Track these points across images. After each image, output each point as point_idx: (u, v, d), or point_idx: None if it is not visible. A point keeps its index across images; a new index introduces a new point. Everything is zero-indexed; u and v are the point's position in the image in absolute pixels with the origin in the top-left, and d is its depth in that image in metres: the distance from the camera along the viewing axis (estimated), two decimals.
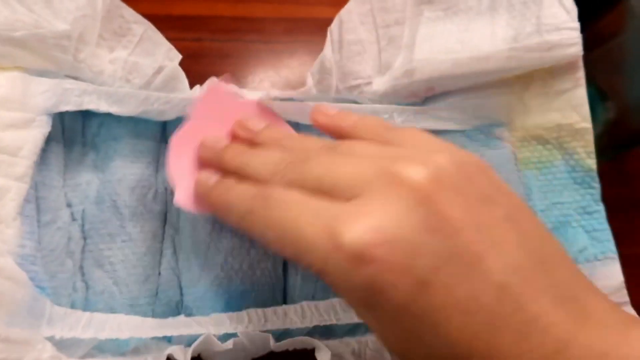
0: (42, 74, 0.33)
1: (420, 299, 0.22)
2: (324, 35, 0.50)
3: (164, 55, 0.39)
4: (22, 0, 0.32)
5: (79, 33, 0.35)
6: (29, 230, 0.33)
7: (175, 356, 0.34)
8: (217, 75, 0.41)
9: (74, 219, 0.38)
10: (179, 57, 0.39)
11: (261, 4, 0.51)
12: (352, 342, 0.39)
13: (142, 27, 0.39)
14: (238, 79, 0.48)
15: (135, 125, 0.41)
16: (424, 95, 0.44)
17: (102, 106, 0.37)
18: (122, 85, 0.37)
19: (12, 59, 0.31)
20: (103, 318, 0.35)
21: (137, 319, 0.36)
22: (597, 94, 0.42)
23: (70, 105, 0.35)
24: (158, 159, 0.42)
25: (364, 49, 0.44)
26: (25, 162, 0.31)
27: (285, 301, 0.41)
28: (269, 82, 0.49)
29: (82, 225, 0.38)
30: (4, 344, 0.26)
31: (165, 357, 0.34)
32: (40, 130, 0.33)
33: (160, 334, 0.35)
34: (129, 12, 0.38)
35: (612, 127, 0.44)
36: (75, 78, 0.36)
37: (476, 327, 0.22)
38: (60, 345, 0.32)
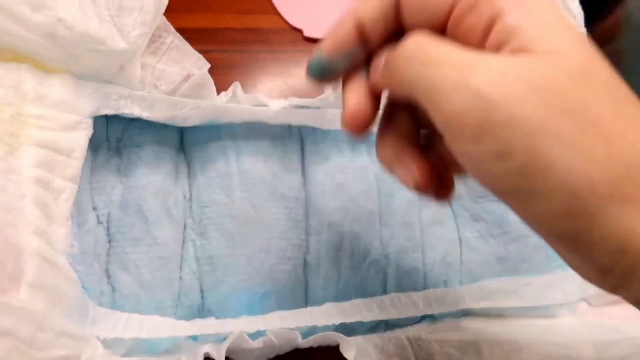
0: (83, 76, 0.34)
1: None
2: None
3: (193, 64, 0.41)
4: (97, 3, 0.34)
5: (134, 50, 0.37)
6: (75, 231, 0.34)
7: (210, 354, 0.35)
8: (227, 85, 0.43)
9: (99, 222, 0.40)
10: (208, 65, 0.42)
11: (267, 15, 0.54)
12: (375, 337, 0.41)
13: (171, 36, 0.41)
14: (248, 89, 0.50)
15: (157, 132, 0.43)
16: None
17: (136, 110, 0.38)
18: (151, 91, 0.39)
19: (64, 64, 0.32)
20: (140, 319, 0.36)
21: (171, 321, 0.37)
22: None
23: (108, 109, 0.37)
24: (177, 167, 0.44)
25: None
26: (77, 164, 0.32)
27: (306, 302, 0.43)
28: (277, 91, 0.51)
29: (107, 229, 0.40)
30: (67, 339, 0.27)
31: (201, 355, 0.35)
32: (86, 132, 0.34)
33: (198, 333, 0.37)
34: (161, 20, 0.40)
35: None
36: (109, 82, 0.38)
37: None
38: (104, 344, 0.33)
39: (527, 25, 0.21)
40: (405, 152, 0.27)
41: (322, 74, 0.28)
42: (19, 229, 0.25)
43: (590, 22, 0.42)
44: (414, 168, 0.26)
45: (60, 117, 0.31)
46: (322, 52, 0.28)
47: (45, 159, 0.29)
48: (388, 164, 0.27)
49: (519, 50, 0.21)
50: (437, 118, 0.22)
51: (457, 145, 0.22)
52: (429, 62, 0.22)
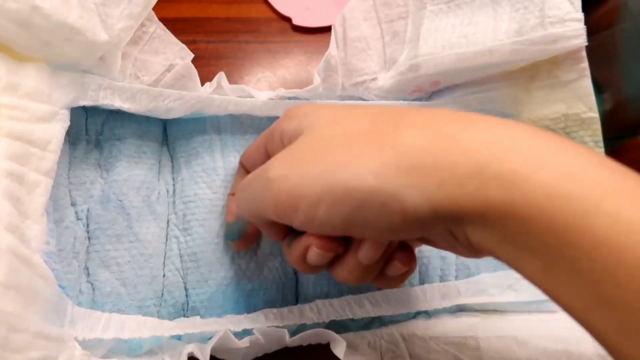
0: (59, 65, 0.34)
1: None
2: (319, 35, 0.52)
3: (176, 54, 0.40)
4: None
5: (115, 43, 0.36)
6: (51, 228, 0.33)
7: (194, 354, 0.35)
8: (213, 76, 0.42)
9: (78, 218, 0.39)
10: (191, 55, 0.41)
11: (255, 4, 0.53)
12: (367, 334, 0.40)
13: (153, 25, 0.40)
14: (235, 80, 0.49)
15: (139, 125, 0.42)
16: (430, 89, 0.47)
17: (116, 102, 0.38)
18: (132, 81, 0.38)
19: (39, 52, 0.31)
20: (122, 319, 0.35)
21: (154, 320, 0.37)
22: (594, 86, 0.44)
23: (86, 100, 0.36)
24: (160, 161, 0.43)
25: (368, 45, 0.46)
26: (52, 157, 0.32)
27: (297, 299, 0.42)
28: (265, 82, 0.50)
29: (87, 225, 0.39)
30: (43, 341, 0.26)
31: (185, 356, 0.34)
32: (62, 124, 0.33)
33: (182, 332, 0.36)
34: None
35: (608, 119, 0.46)
36: (88, 71, 0.37)
37: None
38: (83, 345, 0.32)
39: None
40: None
41: (240, 235, 0.38)
42: None
43: (589, 7, 0.42)
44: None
45: (34, 108, 0.30)
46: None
47: (18, 151, 0.28)
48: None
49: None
50: (267, 213, 0.29)
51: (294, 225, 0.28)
52: (246, 187, 0.31)
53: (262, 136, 0.36)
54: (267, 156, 0.32)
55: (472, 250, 0.26)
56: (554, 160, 0.23)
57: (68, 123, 0.34)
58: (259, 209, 0.30)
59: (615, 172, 0.23)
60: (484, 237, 0.24)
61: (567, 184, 0.22)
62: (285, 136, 0.30)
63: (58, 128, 0.32)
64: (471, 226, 0.24)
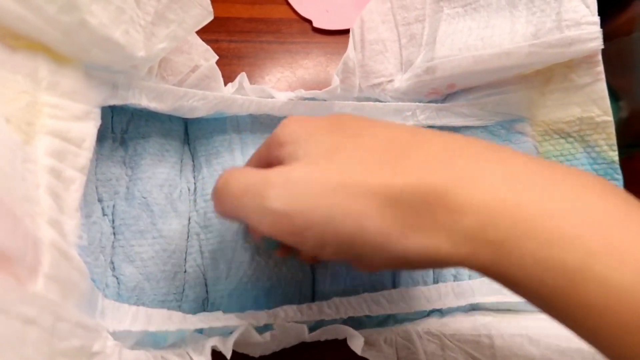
0: (92, 66, 0.35)
1: None
2: (338, 36, 0.54)
3: (200, 55, 0.42)
4: (141, 6, 0.34)
5: (151, 59, 0.37)
6: (83, 223, 0.34)
7: (217, 347, 0.36)
8: (235, 75, 0.44)
9: (104, 214, 0.41)
10: (215, 57, 0.43)
11: (276, 5, 0.55)
12: (383, 331, 0.42)
13: None
14: (256, 79, 0.51)
15: (162, 124, 0.44)
16: (445, 92, 0.48)
17: (143, 101, 0.39)
18: (158, 81, 0.40)
19: (77, 55, 0.32)
20: (149, 312, 0.37)
21: (179, 314, 0.38)
22: (610, 93, 0.45)
23: (116, 100, 0.37)
24: (182, 159, 0.45)
25: (385, 47, 0.47)
26: (86, 154, 0.33)
27: (313, 297, 0.44)
28: (285, 82, 0.52)
29: (113, 221, 0.41)
30: (82, 330, 0.27)
31: (209, 349, 0.36)
32: (94, 123, 0.35)
33: (206, 326, 0.37)
34: None
35: (624, 126, 0.47)
36: (118, 71, 0.38)
37: None
38: (112, 336, 0.34)
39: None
40: None
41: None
42: (35, 220, 0.26)
43: (608, 14, 0.43)
44: None
45: (72, 107, 0.32)
46: None
47: (57, 148, 0.30)
48: None
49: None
50: (264, 233, 0.29)
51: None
52: (235, 196, 0.30)
53: (257, 154, 0.36)
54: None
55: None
56: (542, 225, 0.24)
57: (100, 122, 0.35)
58: (249, 220, 0.30)
59: (603, 227, 0.23)
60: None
61: (554, 250, 0.23)
62: (282, 161, 0.30)
63: (91, 126, 0.34)
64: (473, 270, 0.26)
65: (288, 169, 0.29)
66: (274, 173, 0.29)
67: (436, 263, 0.26)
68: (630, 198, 0.25)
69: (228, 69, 0.50)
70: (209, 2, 0.37)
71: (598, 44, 0.42)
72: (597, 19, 0.41)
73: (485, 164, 0.26)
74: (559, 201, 0.24)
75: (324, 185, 0.27)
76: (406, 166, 0.27)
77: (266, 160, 0.33)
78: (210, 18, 0.37)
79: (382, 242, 0.26)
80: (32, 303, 0.23)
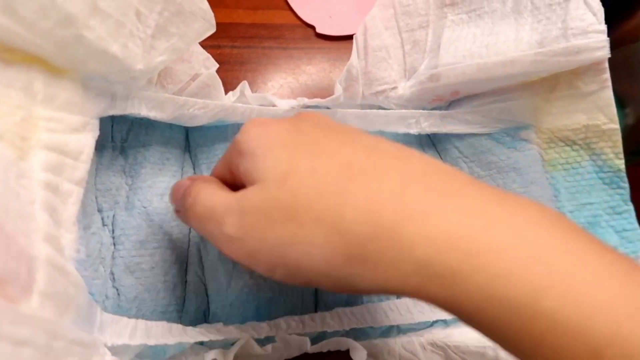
0: (90, 76, 0.34)
1: None
2: (342, 42, 0.53)
3: (201, 63, 0.41)
4: (142, 20, 0.34)
5: (150, 71, 0.37)
6: (81, 235, 0.34)
7: None
8: (237, 81, 0.43)
9: (104, 224, 0.40)
10: (216, 65, 0.42)
11: (279, 11, 0.54)
12: (387, 342, 0.42)
13: None
14: (258, 85, 0.51)
15: (162, 132, 0.44)
16: (449, 98, 0.48)
17: (143, 110, 0.39)
18: (157, 90, 0.40)
19: (74, 67, 0.32)
20: (147, 325, 0.37)
21: (179, 327, 0.38)
22: (616, 100, 0.44)
23: (115, 110, 0.37)
24: (182, 167, 0.45)
25: (389, 54, 0.47)
26: (84, 167, 0.33)
27: (316, 306, 0.43)
28: (288, 88, 0.51)
29: (112, 231, 0.41)
30: (78, 347, 0.27)
31: None
32: (92, 134, 0.34)
33: (206, 339, 0.37)
34: None
35: (630, 133, 0.46)
36: (116, 81, 0.38)
37: None
38: (111, 351, 0.33)
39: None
40: None
41: None
42: (30, 237, 0.26)
43: (614, 21, 0.43)
44: None
45: (68, 119, 0.31)
46: None
47: (54, 162, 0.29)
48: None
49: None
50: (224, 254, 0.31)
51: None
52: (200, 219, 0.32)
53: (223, 159, 0.36)
54: (232, 175, 0.34)
55: None
56: (491, 260, 0.24)
57: (98, 132, 0.35)
58: (210, 240, 0.32)
59: (551, 262, 0.23)
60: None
61: (503, 285, 0.23)
62: (240, 173, 0.31)
63: (89, 138, 0.33)
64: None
65: (243, 196, 0.30)
66: (233, 200, 0.30)
67: (386, 292, 0.27)
68: (579, 230, 0.25)
69: (230, 75, 0.50)
70: (212, 15, 0.37)
71: (605, 52, 0.41)
72: (604, 27, 0.41)
73: (436, 196, 0.26)
74: (508, 236, 0.24)
75: (274, 215, 0.28)
76: (357, 193, 0.27)
77: (229, 167, 0.34)
78: (213, 30, 0.37)
79: (328, 270, 0.27)
80: (24, 323, 0.22)
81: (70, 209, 0.31)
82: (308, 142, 0.30)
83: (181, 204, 0.34)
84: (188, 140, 0.46)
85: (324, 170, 0.28)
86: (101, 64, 0.32)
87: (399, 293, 0.26)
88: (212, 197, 0.31)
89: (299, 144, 0.30)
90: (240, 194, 0.30)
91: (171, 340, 0.36)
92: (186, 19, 0.35)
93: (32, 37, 0.28)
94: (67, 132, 0.31)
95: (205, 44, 0.42)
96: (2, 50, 0.28)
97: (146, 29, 0.33)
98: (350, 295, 0.43)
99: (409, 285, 0.25)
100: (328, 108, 0.45)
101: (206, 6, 0.36)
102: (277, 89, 0.51)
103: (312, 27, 0.54)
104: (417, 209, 0.26)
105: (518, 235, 0.24)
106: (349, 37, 0.53)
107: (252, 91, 0.44)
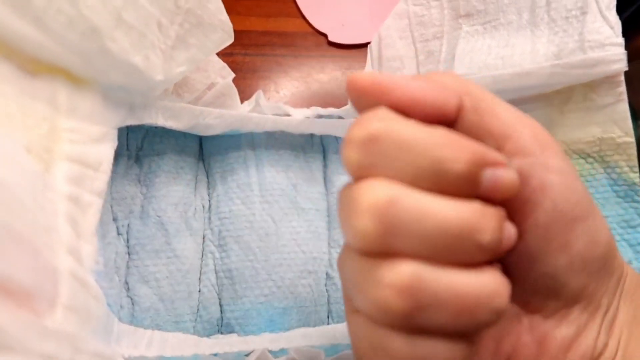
0: (109, 86, 0.34)
1: None
2: (354, 50, 0.54)
3: (217, 73, 0.41)
4: (163, 31, 0.34)
5: (169, 82, 0.37)
6: (99, 246, 0.34)
7: None
8: (249, 89, 0.43)
9: (119, 234, 0.41)
10: (232, 75, 0.42)
11: (292, 18, 0.55)
12: None
13: None
14: (270, 93, 0.51)
15: (177, 141, 0.44)
16: None
17: (159, 120, 0.39)
18: (174, 99, 0.40)
19: (95, 77, 0.32)
20: (163, 336, 0.37)
21: (194, 338, 0.38)
22: (631, 112, 0.44)
23: (133, 119, 0.37)
24: (196, 176, 0.45)
25: (403, 64, 0.47)
26: (104, 177, 0.33)
27: (329, 317, 0.43)
28: (300, 96, 0.51)
29: (127, 240, 0.41)
30: (96, 359, 0.28)
31: None
32: (112, 144, 0.34)
33: (221, 351, 0.37)
34: None
35: None
36: (135, 91, 0.38)
37: None
38: None
39: None
40: None
41: None
42: (54, 250, 0.26)
43: (631, 33, 0.43)
44: None
45: (90, 130, 0.31)
46: None
47: (76, 173, 0.30)
48: None
49: None
50: None
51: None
52: None
53: None
54: None
55: None
56: None
57: (116, 142, 0.35)
58: None
59: None
60: None
61: None
62: None
63: (108, 148, 0.33)
64: None
65: None
66: None
67: None
68: None
69: (242, 83, 0.50)
70: (231, 26, 0.37)
71: (622, 65, 0.41)
72: (621, 40, 0.41)
73: None
74: None
75: None
76: None
77: None
78: (231, 41, 0.37)
79: None
80: (51, 338, 0.23)
81: (91, 220, 0.31)
82: None
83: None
84: (202, 148, 0.46)
85: None
86: (122, 75, 0.32)
87: None
88: None
89: None
90: None
91: (187, 352, 0.36)
92: (205, 30, 0.35)
93: (58, 48, 0.28)
94: (88, 142, 0.31)
95: (218, 52, 0.42)
96: (27, 61, 0.28)
97: (167, 40, 0.34)
98: None
99: None
100: (341, 117, 0.45)
101: (225, 17, 0.36)
102: (289, 97, 0.51)
103: (325, 35, 0.54)
104: None
105: None
106: (362, 46, 0.53)
107: (266, 101, 0.44)
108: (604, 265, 0.23)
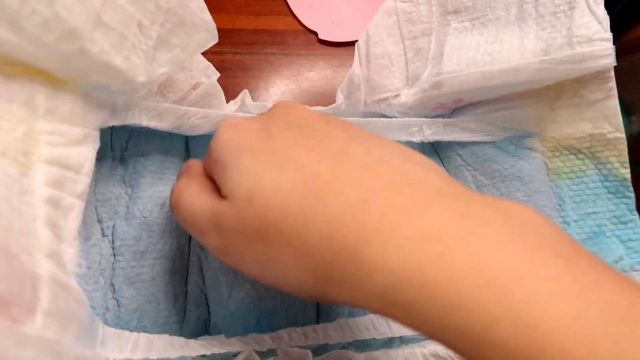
0: (92, 87, 0.34)
1: None
2: (345, 48, 0.54)
3: (202, 72, 0.41)
4: (144, 32, 0.34)
5: (151, 83, 0.37)
6: (82, 249, 0.34)
7: None
8: (239, 88, 0.43)
9: (104, 235, 0.41)
10: (217, 74, 0.42)
11: (282, 17, 0.55)
12: (390, 353, 0.42)
13: None
14: (260, 92, 0.51)
15: (162, 141, 0.44)
16: (452, 106, 0.48)
17: (143, 120, 0.39)
18: (158, 99, 0.40)
19: (75, 78, 0.32)
20: (149, 338, 0.37)
21: (180, 340, 0.38)
22: (622, 107, 0.44)
23: (116, 120, 0.37)
24: None
25: (392, 62, 0.47)
26: (85, 180, 0.32)
27: (318, 317, 0.44)
28: (290, 95, 0.52)
29: (112, 242, 0.41)
30: None
31: None
32: (94, 146, 0.34)
33: (208, 352, 0.37)
34: None
35: (635, 141, 0.47)
36: (118, 91, 0.38)
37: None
38: None
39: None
40: None
41: None
42: (33, 254, 0.26)
43: (621, 28, 0.43)
44: None
45: (70, 132, 0.31)
46: None
47: (55, 176, 0.29)
48: None
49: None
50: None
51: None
52: (186, 222, 0.33)
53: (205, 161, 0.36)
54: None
55: None
56: (444, 290, 0.23)
57: (99, 144, 0.35)
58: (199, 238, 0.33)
59: (502, 288, 0.23)
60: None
61: (458, 316, 0.23)
62: (216, 181, 0.32)
63: (90, 150, 0.33)
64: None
65: (220, 212, 0.30)
66: (211, 214, 0.31)
67: (359, 307, 0.28)
68: (544, 242, 0.25)
69: (232, 82, 0.50)
70: (214, 26, 0.37)
71: (611, 60, 0.41)
72: (609, 35, 0.41)
73: (397, 216, 0.26)
74: (464, 261, 0.24)
75: (249, 234, 0.29)
76: (320, 215, 0.27)
77: (208, 171, 0.34)
78: (215, 41, 0.37)
79: (301, 288, 0.29)
80: (29, 344, 0.23)
81: (72, 223, 0.31)
82: (276, 150, 0.30)
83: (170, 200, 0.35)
84: (188, 149, 0.46)
85: (288, 186, 0.28)
86: (103, 76, 0.32)
87: (367, 308, 0.27)
88: (193, 202, 0.32)
89: (266, 152, 0.30)
90: (217, 208, 0.31)
91: (173, 354, 0.36)
92: (188, 30, 0.35)
93: (35, 50, 0.28)
94: (69, 145, 0.31)
95: (207, 50, 0.42)
96: (4, 63, 0.28)
97: (148, 41, 0.33)
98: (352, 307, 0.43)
99: (374, 307, 0.26)
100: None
101: (208, 17, 0.36)
102: (279, 96, 0.51)
103: (315, 33, 0.54)
104: (376, 234, 0.26)
105: (474, 259, 0.24)
106: (352, 44, 0.53)
107: (254, 98, 0.44)
108: None
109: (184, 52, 0.36)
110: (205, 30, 0.36)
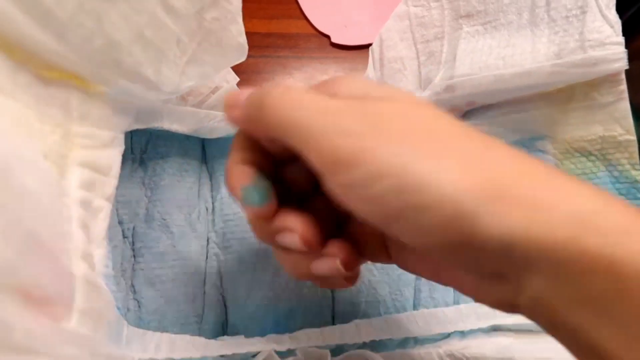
0: (119, 92, 0.35)
1: None
2: (357, 51, 0.54)
3: (222, 77, 0.42)
4: (181, 47, 0.34)
5: (177, 93, 0.38)
6: (108, 250, 0.35)
7: None
8: None
9: (124, 237, 0.41)
10: (237, 79, 0.43)
11: (295, 20, 0.55)
12: (406, 353, 0.42)
13: None
14: None
15: (180, 143, 0.45)
16: (465, 109, 0.49)
17: (165, 124, 0.40)
18: (178, 103, 0.41)
19: (105, 84, 0.33)
20: (172, 338, 0.38)
21: (201, 340, 0.38)
22: (633, 110, 0.45)
23: (140, 124, 0.38)
24: (200, 178, 0.46)
25: (404, 65, 0.48)
26: (113, 182, 0.33)
27: (333, 318, 0.44)
28: None
29: (133, 243, 0.41)
30: None
31: None
32: (119, 148, 0.35)
33: (229, 352, 0.38)
34: None
35: None
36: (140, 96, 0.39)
37: None
38: None
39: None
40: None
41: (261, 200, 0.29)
42: (69, 255, 0.27)
43: (633, 32, 0.44)
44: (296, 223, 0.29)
45: (100, 135, 0.32)
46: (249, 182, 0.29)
47: (87, 178, 0.30)
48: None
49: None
50: (313, 156, 0.25)
51: (333, 178, 0.24)
52: (298, 107, 0.25)
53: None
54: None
55: (506, 304, 0.24)
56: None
57: (124, 147, 0.36)
58: (300, 136, 0.25)
59: None
60: (553, 293, 0.21)
61: None
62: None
63: (117, 153, 0.34)
64: (542, 277, 0.21)
65: (368, 100, 0.26)
66: (350, 107, 0.25)
67: (507, 251, 0.21)
68: None
69: (245, 85, 0.50)
70: (247, 48, 0.37)
71: (622, 64, 0.42)
72: (621, 39, 0.42)
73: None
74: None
75: (415, 127, 0.24)
76: (498, 145, 0.24)
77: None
78: (243, 59, 0.38)
79: (453, 196, 0.22)
80: (71, 342, 0.23)
81: (101, 224, 0.32)
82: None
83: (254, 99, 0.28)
84: (204, 151, 0.47)
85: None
86: (132, 84, 0.33)
87: (529, 249, 0.21)
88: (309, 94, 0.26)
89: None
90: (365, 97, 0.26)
91: (195, 354, 0.37)
92: (222, 50, 0.36)
93: (74, 57, 0.29)
94: (99, 147, 0.32)
95: None
96: (43, 68, 0.28)
97: (183, 56, 0.34)
98: (366, 307, 0.44)
99: (556, 236, 0.20)
100: None
101: (243, 40, 0.37)
102: None
103: (327, 37, 0.55)
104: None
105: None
106: (364, 47, 0.54)
107: None
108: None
109: (213, 68, 0.37)
110: (237, 51, 0.37)
